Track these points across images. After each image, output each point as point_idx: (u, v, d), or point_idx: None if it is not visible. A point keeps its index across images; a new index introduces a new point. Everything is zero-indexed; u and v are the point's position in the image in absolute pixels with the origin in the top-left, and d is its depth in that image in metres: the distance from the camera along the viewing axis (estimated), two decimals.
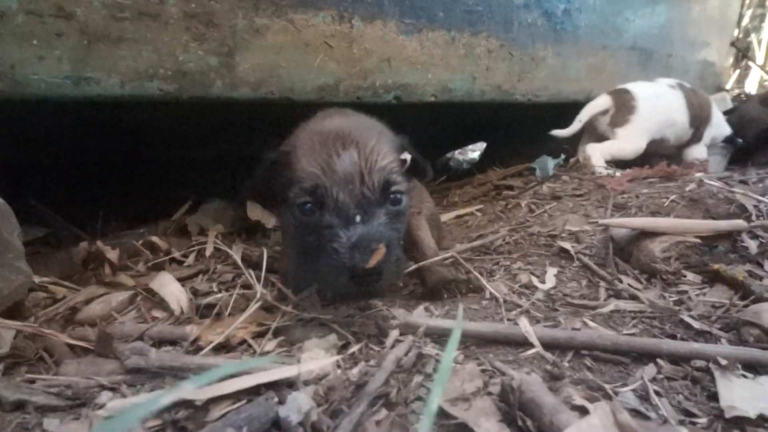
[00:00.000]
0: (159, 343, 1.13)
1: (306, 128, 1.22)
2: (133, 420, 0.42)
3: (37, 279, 1.42)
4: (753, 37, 6.27)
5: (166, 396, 0.48)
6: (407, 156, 1.20)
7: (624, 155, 2.60)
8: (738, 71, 5.86)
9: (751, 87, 5.74)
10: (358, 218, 1.03)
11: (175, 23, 1.46)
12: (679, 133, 2.79)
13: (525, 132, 3.36)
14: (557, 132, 2.60)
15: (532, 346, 0.98)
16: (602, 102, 2.64)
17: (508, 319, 1.13)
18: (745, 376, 0.87)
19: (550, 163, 2.50)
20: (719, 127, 3.01)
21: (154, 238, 1.86)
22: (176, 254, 1.78)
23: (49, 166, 2.31)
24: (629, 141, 2.59)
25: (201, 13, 1.49)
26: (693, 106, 2.78)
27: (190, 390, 0.76)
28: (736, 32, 5.06)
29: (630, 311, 1.15)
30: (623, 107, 2.60)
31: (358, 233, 1.00)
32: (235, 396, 0.81)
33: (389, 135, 1.21)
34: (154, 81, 1.46)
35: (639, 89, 2.67)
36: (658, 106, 2.67)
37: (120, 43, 1.39)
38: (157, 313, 1.31)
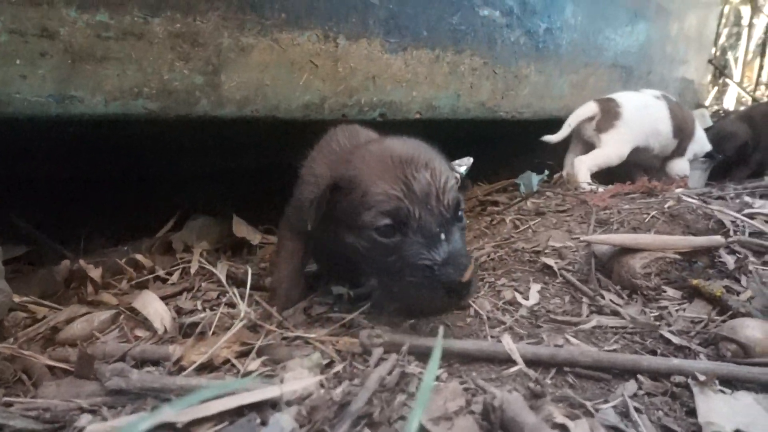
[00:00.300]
0: (141, 363, 1.12)
1: (366, 151, 1.22)
2: None
3: (17, 298, 1.40)
4: (730, 55, 6.46)
5: (148, 419, 0.47)
6: (457, 174, 1.26)
7: (609, 162, 2.68)
8: (716, 88, 6.02)
9: (729, 103, 5.89)
10: (442, 236, 1.07)
11: (160, 42, 1.47)
12: (663, 142, 2.88)
13: (510, 147, 3.40)
14: (548, 137, 2.67)
15: (515, 363, 0.99)
16: (589, 109, 2.74)
17: (492, 336, 1.14)
18: (723, 392, 0.89)
19: (534, 179, 2.53)
20: (701, 142, 3.11)
21: (138, 256, 1.84)
22: (160, 272, 1.77)
23: (31, 181, 2.29)
24: (613, 146, 2.69)
25: (186, 32, 1.50)
26: (677, 117, 2.88)
27: (172, 412, 0.75)
28: (713, 50, 5.21)
29: (612, 327, 1.17)
30: (609, 113, 2.71)
31: (447, 250, 1.05)
32: (218, 418, 0.80)
33: (441, 155, 1.26)
34: (139, 100, 1.47)
35: (624, 98, 2.79)
36: (643, 114, 2.78)
37: (104, 62, 1.39)
38: (140, 333, 1.30)
